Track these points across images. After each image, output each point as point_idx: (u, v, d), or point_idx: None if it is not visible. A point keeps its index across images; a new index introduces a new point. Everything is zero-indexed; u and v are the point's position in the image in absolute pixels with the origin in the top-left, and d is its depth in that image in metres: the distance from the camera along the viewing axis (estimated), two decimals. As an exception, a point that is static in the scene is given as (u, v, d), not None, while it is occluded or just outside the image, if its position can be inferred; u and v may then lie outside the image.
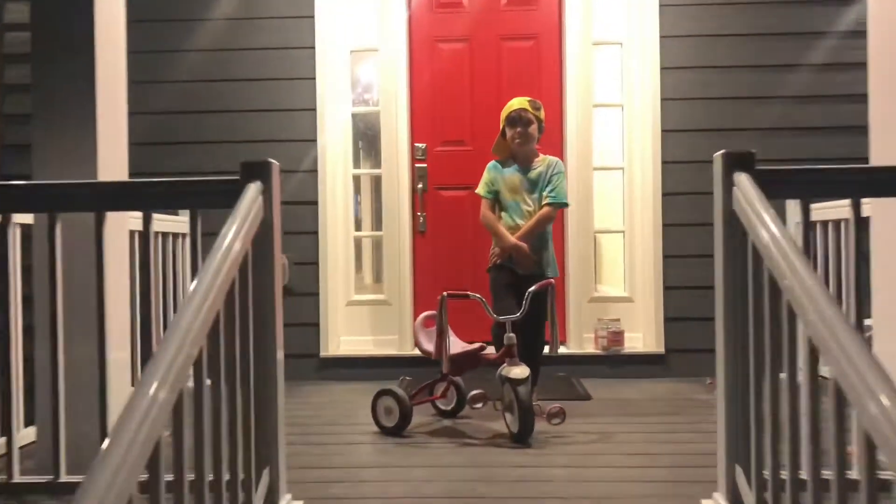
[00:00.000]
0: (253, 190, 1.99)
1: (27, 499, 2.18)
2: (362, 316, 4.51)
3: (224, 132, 4.34)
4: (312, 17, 4.34)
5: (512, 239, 3.30)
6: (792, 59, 4.22)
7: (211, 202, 2.06)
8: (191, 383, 1.49)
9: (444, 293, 2.96)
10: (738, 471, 2.01)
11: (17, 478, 2.10)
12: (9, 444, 2.15)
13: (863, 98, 2.73)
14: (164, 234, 3.34)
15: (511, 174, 3.40)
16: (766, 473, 1.79)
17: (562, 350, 4.30)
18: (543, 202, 3.35)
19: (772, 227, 1.70)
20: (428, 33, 4.53)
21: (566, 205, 3.44)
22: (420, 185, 4.48)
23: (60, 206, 2.09)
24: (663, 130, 4.28)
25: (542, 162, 3.44)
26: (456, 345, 3.08)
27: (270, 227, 2.05)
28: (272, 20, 4.34)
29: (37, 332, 2.42)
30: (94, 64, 2.55)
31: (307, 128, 4.35)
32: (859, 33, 4.09)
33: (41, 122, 2.56)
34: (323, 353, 4.33)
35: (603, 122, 4.53)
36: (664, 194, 4.27)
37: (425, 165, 4.50)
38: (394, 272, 4.44)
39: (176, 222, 3.30)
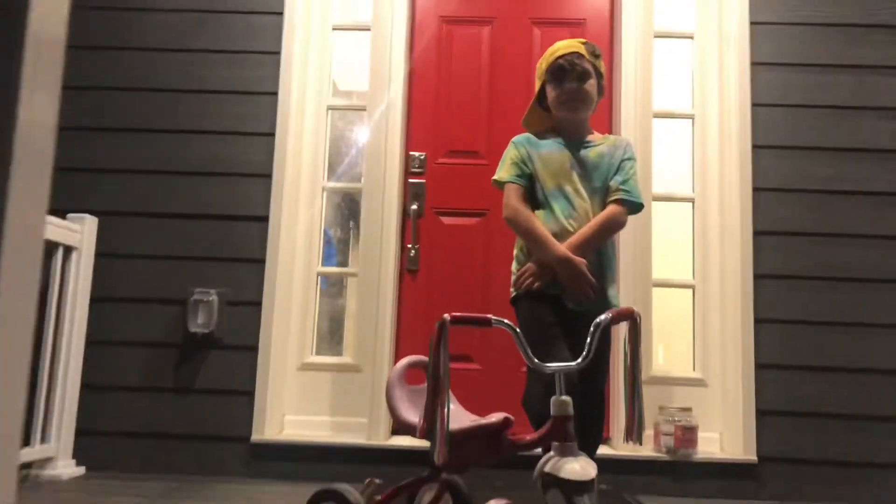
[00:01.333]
0: None
1: None
2: (320, 385, 3.15)
3: (156, 116, 3.14)
4: (282, -24, 3.23)
5: (562, 248, 2.02)
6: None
7: None
8: None
9: (447, 316, 1.64)
10: None
11: None
12: None
13: None
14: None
15: (554, 151, 2.16)
16: None
17: (607, 452, 2.94)
18: (612, 197, 2.11)
19: None
20: (436, 11, 3.41)
21: (642, 206, 2.18)
22: (414, 207, 3.23)
23: None
24: (755, 146, 3.09)
25: (605, 139, 2.22)
26: (461, 416, 1.74)
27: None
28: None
29: None
30: None
31: (262, 117, 3.14)
32: None
33: None
34: (256, 437, 2.95)
35: (666, 137, 3.35)
36: (756, 233, 3.03)
37: (423, 181, 3.27)
38: (369, 325, 3.12)
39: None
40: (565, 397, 1.58)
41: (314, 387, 3.14)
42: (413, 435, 1.71)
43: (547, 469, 1.53)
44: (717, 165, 3.18)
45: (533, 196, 2.16)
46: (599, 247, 2.10)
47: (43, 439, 2.71)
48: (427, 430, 1.61)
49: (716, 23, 3.26)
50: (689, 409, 2.96)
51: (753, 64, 3.12)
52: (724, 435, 3.02)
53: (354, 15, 3.42)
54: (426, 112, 3.34)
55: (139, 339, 3.01)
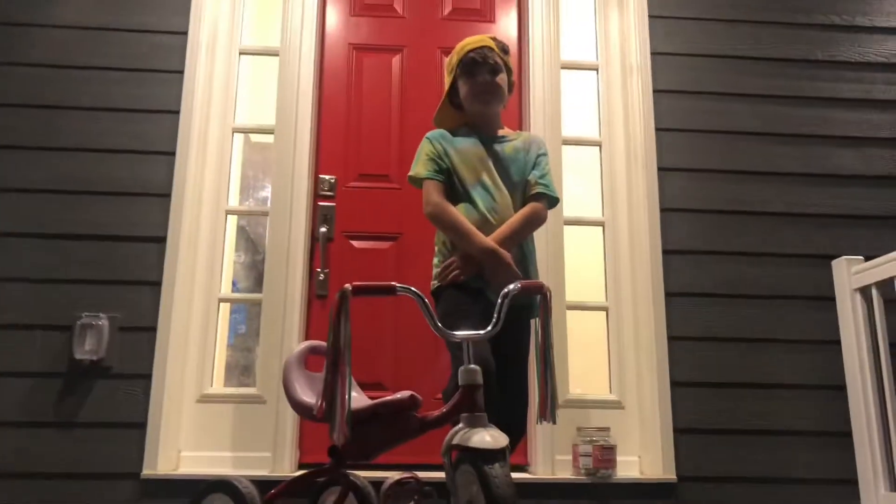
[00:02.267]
0: None
1: None
2: (220, 418, 2.93)
3: (45, 133, 2.97)
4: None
5: (486, 240, 1.96)
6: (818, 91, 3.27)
7: None
8: None
9: (348, 286, 1.53)
10: None
11: None
12: None
13: None
14: None
15: (470, 144, 2.13)
16: None
17: (525, 476, 2.83)
18: (532, 191, 2.07)
19: None
20: (346, 37, 3.41)
21: (558, 201, 2.14)
22: (324, 229, 3.13)
23: None
24: (660, 169, 3.15)
25: (519, 136, 2.20)
26: (362, 400, 1.61)
27: None
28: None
29: None
30: None
31: (164, 136, 3.01)
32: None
33: None
34: (148, 472, 2.70)
35: (576, 164, 3.39)
36: (665, 252, 3.06)
37: (333, 204, 3.18)
38: (273, 353, 2.94)
39: None
40: (473, 366, 1.49)
41: (216, 420, 2.92)
42: (310, 417, 1.57)
43: (455, 441, 1.42)
44: (626, 188, 3.23)
45: (451, 191, 2.10)
46: (522, 241, 2.05)
47: None
48: (326, 409, 1.48)
49: (619, 54, 3.37)
50: (606, 429, 2.89)
51: (655, 91, 3.22)
52: (643, 456, 2.95)
53: (263, 40, 3.38)
54: (336, 136, 3.28)
55: (17, 370, 2.74)
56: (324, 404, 1.48)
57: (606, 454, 2.81)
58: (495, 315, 1.57)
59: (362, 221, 3.19)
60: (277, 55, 3.27)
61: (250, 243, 3.29)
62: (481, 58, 2.12)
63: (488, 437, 1.39)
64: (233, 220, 3.37)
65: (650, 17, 3.32)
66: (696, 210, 3.11)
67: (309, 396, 1.60)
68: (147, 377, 2.78)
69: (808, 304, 3.03)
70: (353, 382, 1.56)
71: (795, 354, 2.98)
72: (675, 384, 2.93)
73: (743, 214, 3.11)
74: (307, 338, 3.05)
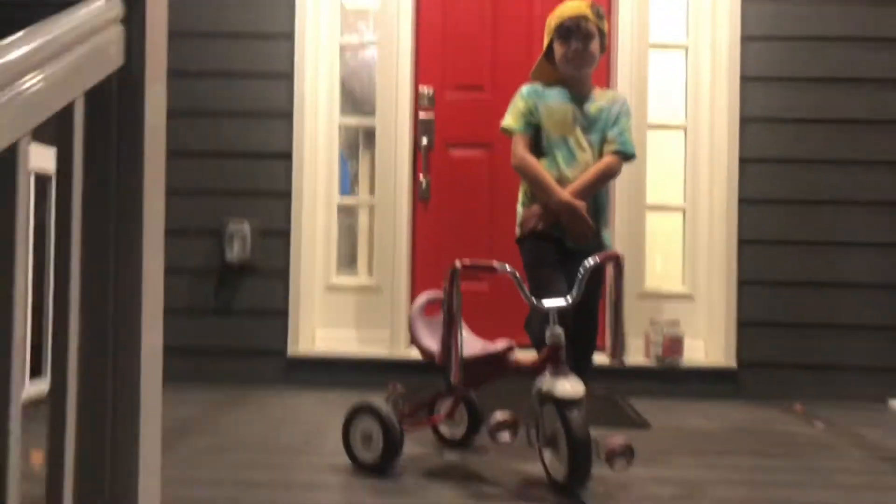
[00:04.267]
0: (100, 6, 0.99)
1: None
2: (345, 305, 3.50)
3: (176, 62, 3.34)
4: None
5: (564, 193, 2.29)
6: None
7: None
8: None
9: (458, 262, 1.95)
10: None
11: None
12: None
13: None
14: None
15: (560, 102, 2.39)
16: None
17: (604, 361, 3.30)
18: (609, 147, 2.35)
19: None
20: (442, -53, 3.54)
21: (634, 157, 2.42)
22: (425, 141, 3.48)
23: None
24: (743, 78, 3.29)
25: (604, 95, 2.44)
26: (472, 343, 2.07)
27: (138, 88, 1.05)
28: None
29: None
30: None
31: (281, 59, 3.35)
32: None
33: None
34: (292, 351, 3.33)
35: (661, 68, 3.54)
36: (742, 160, 3.28)
37: (432, 116, 3.50)
38: (386, 250, 3.44)
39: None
40: (558, 329, 1.91)
41: (341, 306, 3.49)
42: (432, 360, 2.05)
43: (543, 388, 1.88)
44: (709, 95, 3.39)
45: (537, 143, 2.41)
46: (596, 192, 2.37)
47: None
48: (444, 358, 1.95)
49: (711, -46, 3.38)
50: (676, 322, 3.30)
51: (745, 2, 3.28)
52: (708, 344, 3.37)
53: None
54: (434, 49, 3.52)
55: (179, 267, 3.33)
56: (441, 353, 1.96)
57: (675, 345, 3.25)
58: (576, 287, 1.96)
59: (459, 131, 3.51)
60: (378, -32, 3.47)
61: (357, 151, 3.69)
62: (575, 26, 2.32)
63: (570, 388, 1.83)
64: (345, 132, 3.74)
65: (745, -84, 3.29)
66: (775, 119, 3.27)
67: (430, 342, 2.07)
68: (285, 272, 3.34)
69: (876, 208, 3.23)
70: (465, 330, 2.01)
71: (861, 256, 3.24)
72: (742, 282, 3.27)
73: (824, 123, 3.25)
74: (413, 237, 3.50)
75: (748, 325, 3.26)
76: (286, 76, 3.35)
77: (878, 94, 3.25)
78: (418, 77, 3.52)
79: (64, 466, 0.92)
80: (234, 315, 3.35)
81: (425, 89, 3.50)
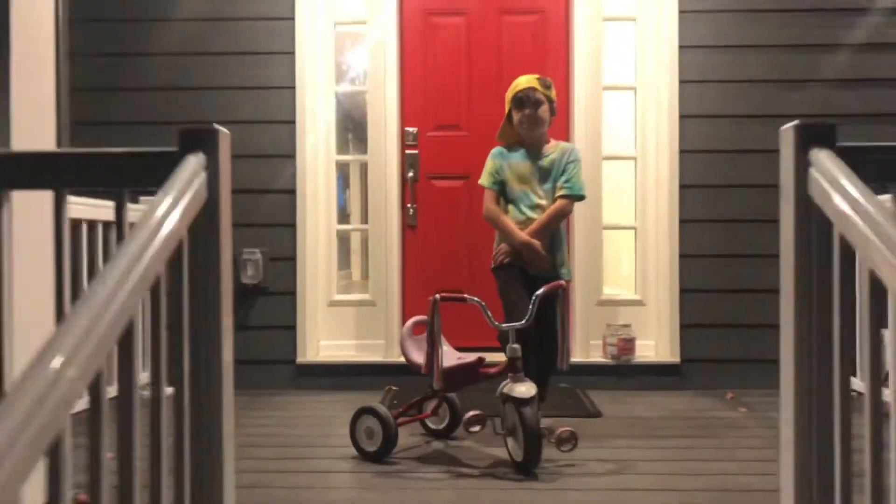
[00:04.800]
0: (193, 163, 1.53)
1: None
2: (345, 318, 4.06)
3: (195, 111, 3.87)
4: (292, -15, 3.89)
5: (523, 235, 2.86)
6: (830, 38, 3.79)
7: (141, 179, 1.60)
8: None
9: (437, 295, 2.51)
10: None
11: None
12: None
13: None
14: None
15: (519, 161, 2.95)
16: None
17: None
18: (558, 194, 2.91)
19: (874, 216, 1.27)
20: (421, 5, 4.07)
21: (583, 197, 2.99)
22: (410, 174, 4.03)
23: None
24: (681, 116, 3.85)
25: (556, 148, 3.00)
26: (450, 356, 2.63)
27: (217, 209, 1.60)
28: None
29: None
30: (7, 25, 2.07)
31: (285, 108, 3.89)
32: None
33: None
34: (300, 359, 3.88)
35: (613, 107, 4.10)
36: (681, 186, 3.84)
37: (416, 152, 4.05)
38: (380, 270, 3.99)
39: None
40: (515, 345, 2.47)
41: (341, 319, 4.05)
42: (419, 372, 2.61)
43: (504, 391, 2.44)
44: (654, 130, 3.94)
45: (505, 194, 2.97)
46: (552, 231, 2.93)
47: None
48: (428, 369, 2.52)
49: (654, 8, 3.93)
50: (628, 325, 3.87)
51: (681, 47, 3.83)
52: (658, 343, 3.95)
53: (354, 14, 4.08)
54: (418, 93, 4.06)
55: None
56: (426, 365, 2.52)
57: (627, 344, 3.82)
58: (529, 312, 2.52)
59: (440, 164, 4.05)
60: (365, 23, 4.01)
61: (353, 182, 4.23)
62: (526, 96, 2.88)
63: (524, 390, 2.39)
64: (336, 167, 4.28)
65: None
66: (709, 151, 3.83)
67: (417, 356, 2.62)
68: (292, 292, 3.89)
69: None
70: (445, 345, 2.56)
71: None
72: (683, 290, 3.84)
73: (748, 153, 3.81)
74: (403, 258, 4.05)
75: (689, 327, 3.84)
76: (289, 122, 3.88)
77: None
78: (404, 119, 4.06)
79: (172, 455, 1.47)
80: (249, 329, 3.90)
81: (410, 129, 4.05)
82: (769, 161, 3.75)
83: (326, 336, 4.04)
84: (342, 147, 4.15)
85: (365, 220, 4.14)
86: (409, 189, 4.05)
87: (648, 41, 3.96)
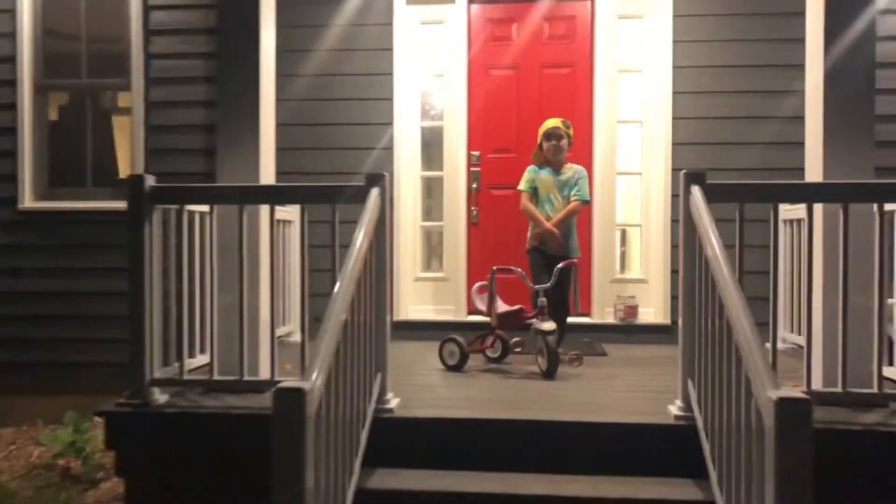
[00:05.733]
0: (375, 194, 3.08)
1: (214, 394, 3.33)
2: (426, 290, 5.60)
3: (322, 140, 5.45)
4: (391, 49, 5.42)
5: (547, 224, 4.36)
6: (782, 86, 5.15)
7: (347, 199, 3.14)
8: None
9: (494, 268, 4.03)
10: (690, 383, 3.03)
11: (217, 376, 3.25)
12: (211, 359, 3.29)
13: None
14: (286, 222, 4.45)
15: (546, 176, 4.45)
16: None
17: (587, 320, 5.35)
18: (572, 199, 4.40)
19: (714, 244, 2.71)
20: (483, 62, 5.58)
21: (588, 202, 4.48)
22: (474, 185, 5.54)
23: (246, 201, 3.21)
24: (674, 143, 5.26)
25: (571, 168, 4.48)
26: (502, 306, 4.14)
27: (384, 216, 3.13)
28: (362, 52, 5.44)
29: (213, 287, 3.54)
30: (258, 90, 3.57)
31: (385, 137, 5.43)
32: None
33: (223, 135, 3.58)
34: (396, 318, 5.42)
35: (625, 136, 5.53)
36: (673, 195, 5.24)
37: (479, 169, 5.56)
38: (452, 255, 5.52)
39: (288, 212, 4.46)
40: (542, 299, 3.96)
41: (424, 290, 5.59)
42: (483, 314, 4.12)
43: (535, 326, 3.94)
44: (655, 154, 5.36)
45: (536, 196, 4.46)
46: (567, 224, 4.41)
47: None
48: (488, 313, 4.04)
49: (655, 64, 5.34)
50: (633, 297, 5.31)
51: (675, 93, 5.24)
52: (655, 310, 5.37)
53: (435, 68, 5.60)
54: (480, 125, 5.57)
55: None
56: (487, 311, 4.04)
57: (632, 311, 5.26)
58: (553, 276, 4.00)
59: (496, 178, 5.55)
60: (443, 76, 5.53)
61: (433, 191, 5.76)
62: (553, 133, 4.37)
63: (547, 326, 3.87)
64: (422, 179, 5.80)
65: (673, 41, 5.25)
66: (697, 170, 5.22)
67: (482, 306, 4.12)
68: (390, 271, 5.43)
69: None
70: (499, 300, 4.06)
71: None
72: (673, 271, 5.25)
73: (723, 171, 5.19)
74: (468, 249, 5.56)
75: (677, 298, 5.23)
76: (389, 148, 5.43)
77: (765, 153, 5.17)
78: (470, 145, 5.57)
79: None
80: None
81: (474, 152, 5.56)
82: (737, 177, 5.16)
83: (413, 302, 5.59)
84: (425, 166, 5.67)
85: (441, 218, 5.67)
86: (472, 196, 5.56)
87: (651, 87, 5.38)
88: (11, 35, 5.60)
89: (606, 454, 2.93)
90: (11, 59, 5.59)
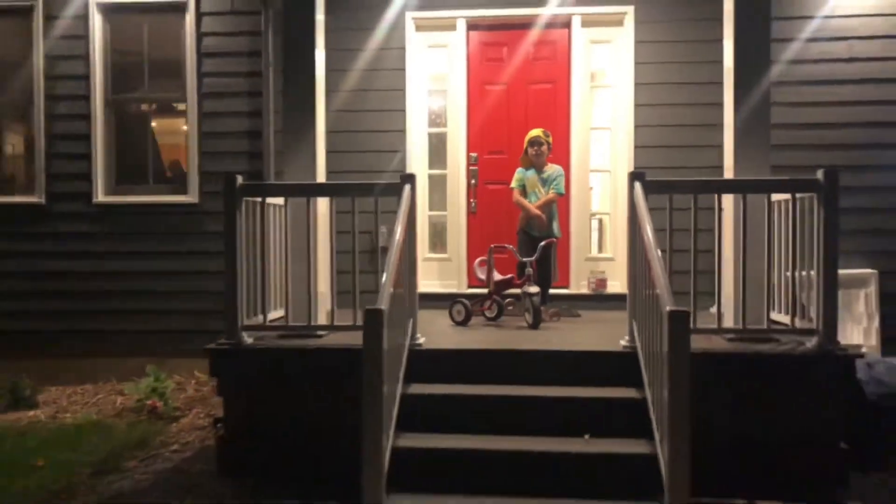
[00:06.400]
0: (407, 190, 4.24)
1: (286, 338, 4.49)
2: (433, 268, 6.77)
3: (352, 145, 6.60)
4: (404, 69, 6.58)
5: (535, 209, 5.55)
6: (716, 99, 6.34)
7: (383, 193, 4.30)
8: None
9: (492, 246, 5.21)
10: (634, 324, 4.22)
11: (291, 322, 4.42)
12: (287, 311, 4.46)
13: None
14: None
15: (531, 175, 5.65)
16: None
17: (565, 291, 6.55)
18: (550, 191, 5.59)
19: (647, 229, 3.89)
20: (480, 79, 6.75)
21: (563, 194, 5.70)
22: (473, 181, 6.71)
23: (312, 194, 4.37)
24: (636, 146, 6.45)
25: (551, 168, 5.68)
26: (497, 276, 5.32)
27: (413, 207, 4.29)
28: (384, 71, 6.60)
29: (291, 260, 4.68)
30: (314, 101, 4.80)
31: (399, 142, 6.60)
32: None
33: (289, 138, 4.80)
34: (408, 291, 6.58)
35: (597, 140, 6.71)
36: (635, 189, 6.42)
37: (477, 168, 6.73)
38: (454, 239, 6.70)
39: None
40: (528, 269, 5.14)
41: (430, 268, 6.76)
42: (483, 283, 5.30)
43: (523, 290, 5.13)
44: (621, 154, 6.55)
45: (524, 192, 5.65)
46: (547, 209, 5.60)
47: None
48: (486, 282, 5.24)
49: (622, 81, 6.52)
50: (603, 272, 6.51)
51: (636, 105, 6.43)
52: (621, 282, 6.55)
53: (439, 85, 6.77)
54: (477, 131, 6.73)
55: (362, 249, 6.59)
56: (486, 280, 5.21)
57: (601, 283, 6.46)
58: (537, 252, 5.17)
59: (491, 175, 6.72)
60: (446, 91, 6.69)
61: (437, 186, 6.93)
62: (535, 141, 5.56)
63: (533, 290, 5.04)
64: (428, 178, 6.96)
65: (635, 63, 6.43)
66: (652, 167, 6.41)
67: (482, 276, 5.28)
68: (403, 252, 6.62)
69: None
70: (495, 271, 5.22)
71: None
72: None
73: (680, 169, 6.39)
74: (468, 234, 6.74)
75: (639, 273, 6.44)
76: (401, 151, 6.59)
77: (709, 154, 6.36)
78: (469, 147, 6.74)
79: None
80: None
81: (473, 153, 6.73)
82: (691, 175, 6.37)
83: (423, 278, 6.73)
84: (431, 165, 6.84)
85: (444, 209, 6.83)
86: (471, 190, 6.73)
87: (618, 100, 6.57)
88: (86, 57, 6.73)
89: (575, 371, 4.12)
90: (86, 77, 6.73)
